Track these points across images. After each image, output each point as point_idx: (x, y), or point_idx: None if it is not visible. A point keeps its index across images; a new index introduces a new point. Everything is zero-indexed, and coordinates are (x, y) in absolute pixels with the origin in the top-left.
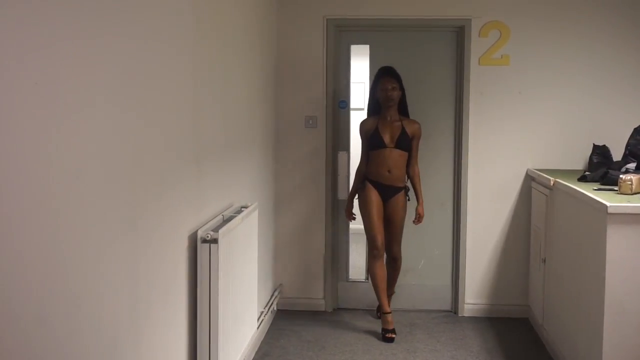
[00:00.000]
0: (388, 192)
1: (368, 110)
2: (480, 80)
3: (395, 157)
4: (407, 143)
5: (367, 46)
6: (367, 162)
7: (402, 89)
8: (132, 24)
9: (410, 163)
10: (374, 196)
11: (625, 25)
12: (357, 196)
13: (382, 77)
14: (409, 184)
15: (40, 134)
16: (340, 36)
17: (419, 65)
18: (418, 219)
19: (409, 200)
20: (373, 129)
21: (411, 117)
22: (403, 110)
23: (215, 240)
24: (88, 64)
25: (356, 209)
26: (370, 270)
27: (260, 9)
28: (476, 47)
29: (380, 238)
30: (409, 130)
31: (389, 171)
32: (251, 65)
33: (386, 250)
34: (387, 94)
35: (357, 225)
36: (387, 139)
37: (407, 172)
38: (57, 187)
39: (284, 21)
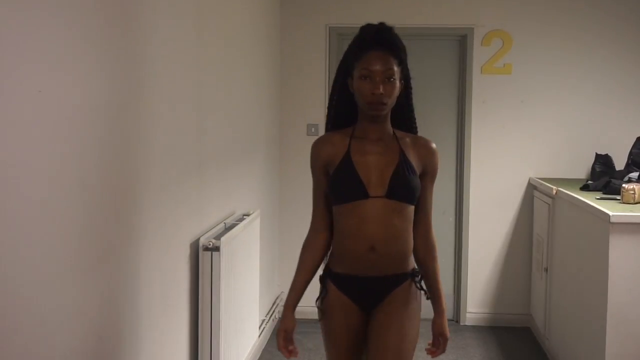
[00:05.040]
0: (374, 292)
1: (329, 119)
2: (482, 88)
3: (387, 216)
4: (411, 186)
5: None
6: (327, 229)
7: (405, 77)
8: (135, 30)
9: (418, 226)
10: (345, 313)
11: (628, 34)
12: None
13: (367, 51)
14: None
15: (43, 140)
16: (343, 44)
17: (422, 74)
18: (437, 345)
19: (427, 297)
20: (340, 158)
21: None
22: (404, 119)
23: (217, 248)
24: (89, 67)
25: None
26: None
27: (263, 16)
28: (478, 55)
29: None
30: (416, 157)
31: (372, 248)
32: (254, 72)
33: None
34: (374, 87)
35: None
36: (369, 177)
37: (414, 245)
38: (58, 193)
39: (287, 29)
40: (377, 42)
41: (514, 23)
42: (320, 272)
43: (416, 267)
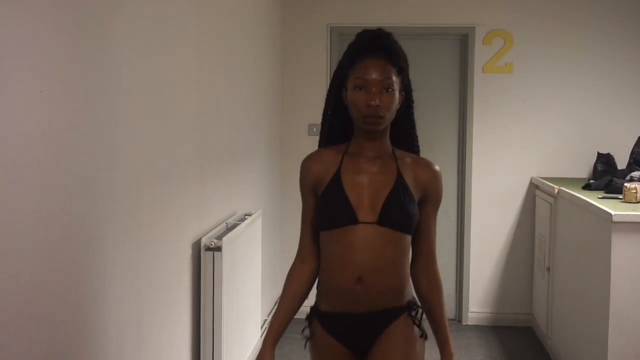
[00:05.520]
0: (365, 330)
1: (322, 134)
2: (484, 88)
3: (378, 245)
4: (406, 212)
5: None
6: (315, 257)
7: (406, 88)
8: (135, 29)
9: (419, 259)
10: (333, 359)
11: (630, 32)
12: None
13: (362, 58)
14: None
15: (44, 140)
16: (344, 44)
17: (423, 73)
18: None
19: (424, 337)
20: (330, 178)
21: (422, 153)
22: (404, 137)
23: (218, 248)
24: (91, 67)
25: None
26: None
27: (264, 16)
28: (480, 55)
29: None
30: (416, 180)
31: (359, 280)
32: (255, 72)
33: None
34: (369, 98)
35: None
36: (360, 200)
37: (414, 279)
38: (62, 194)
39: (288, 29)
40: (374, 49)
41: (516, 22)
42: (308, 307)
43: (415, 298)
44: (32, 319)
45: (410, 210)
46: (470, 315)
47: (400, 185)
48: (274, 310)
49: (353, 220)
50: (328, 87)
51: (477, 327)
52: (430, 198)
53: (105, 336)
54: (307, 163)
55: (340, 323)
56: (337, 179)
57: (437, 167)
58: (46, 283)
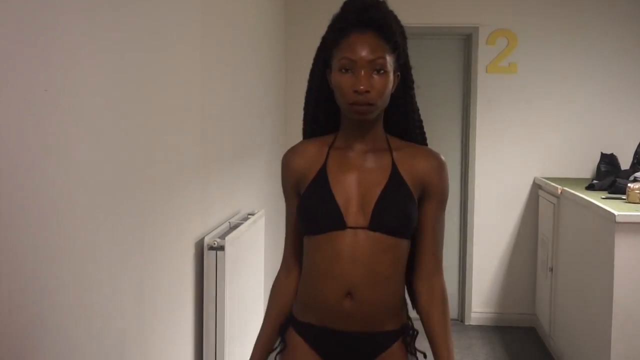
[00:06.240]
0: (352, 354)
1: (306, 124)
2: (487, 88)
3: (370, 253)
4: (402, 213)
5: None
6: (299, 267)
7: (403, 66)
8: (140, 28)
9: (421, 268)
10: None
11: (634, 33)
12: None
13: (348, 33)
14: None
15: (49, 141)
16: None
17: (427, 73)
18: None
19: None
20: (314, 175)
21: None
22: (404, 125)
23: (222, 248)
24: (94, 67)
25: None
26: None
27: (268, 16)
28: (483, 55)
29: None
30: (414, 174)
31: (348, 294)
32: (259, 72)
33: None
34: (357, 82)
35: None
36: (349, 200)
37: (413, 292)
38: (64, 192)
39: (292, 29)
40: (362, 22)
41: (519, 22)
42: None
43: (411, 320)
44: (34, 317)
45: (407, 210)
46: (472, 315)
47: (395, 181)
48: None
49: (340, 224)
50: (311, 67)
51: (479, 327)
52: (433, 194)
53: (108, 334)
54: (288, 158)
55: (323, 339)
56: (322, 176)
57: (441, 157)
58: (49, 281)
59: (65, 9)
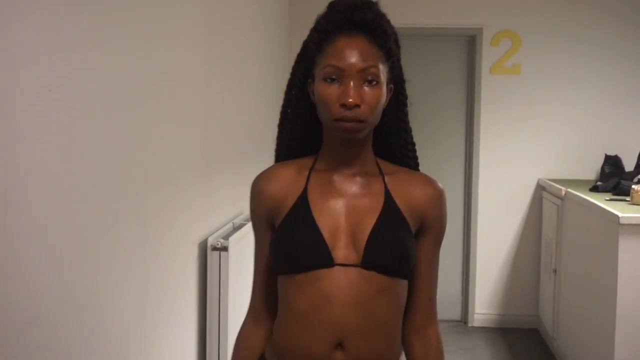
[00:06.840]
0: None
1: (280, 143)
2: (491, 89)
3: (364, 295)
4: (401, 248)
5: None
6: (273, 315)
7: (397, 78)
8: (144, 29)
9: (414, 314)
10: None
11: (637, 34)
12: None
13: (334, 37)
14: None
15: (54, 141)
16: None
17: (430, 75)
18: None
19: None
20: (293, 204)
21: (421, 165)
22: (395, 146)
23: (225, 248)
24: (97, 67)
25: None
26: None
27: (273, 17)
28: (487, 56)
29: None
30: (410, 203)
31: (339, 346)
32: (263, 72)
33: None
34: (345, 94)
35: None
36: (336, 233)
37: (406, 341)
38: (70, 194)
39: (296, 28)
40: (351, 24)
41: (523, 23)
42: None
43: None
44: (37, 318)
45: (407, 245)
46: (476, 316)
47: (390, 210)
48: None
49: (327, 261)
50: (289, 76)
51: (482, 329)
52: (431, 228)
53: (111, 335)
54: (259, 184)
55: None
56: (302, 204)
57: (439, 185)
58: (53, 282)
59: (65, 9)
